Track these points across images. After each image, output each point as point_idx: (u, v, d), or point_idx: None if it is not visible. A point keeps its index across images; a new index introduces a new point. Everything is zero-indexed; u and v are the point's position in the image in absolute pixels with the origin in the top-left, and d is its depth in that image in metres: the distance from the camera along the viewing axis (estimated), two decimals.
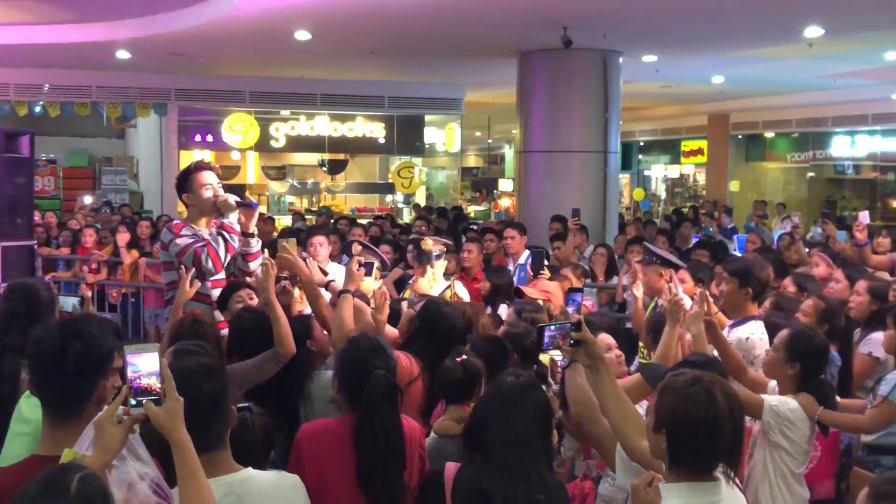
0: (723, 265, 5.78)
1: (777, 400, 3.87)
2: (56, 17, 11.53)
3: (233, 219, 5.16)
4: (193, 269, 4.96)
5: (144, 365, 2.39)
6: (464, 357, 3.70)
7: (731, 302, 4.98)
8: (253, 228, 5.34)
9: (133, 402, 2.36)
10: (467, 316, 4.51)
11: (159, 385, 2.38)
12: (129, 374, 2.38)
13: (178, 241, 5.09)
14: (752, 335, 4.78)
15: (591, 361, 3.09)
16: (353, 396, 3.14)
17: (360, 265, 4.71)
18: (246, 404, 3.16)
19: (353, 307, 4.42)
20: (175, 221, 5.52)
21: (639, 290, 6.22)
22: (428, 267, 5.77)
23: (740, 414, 2.62)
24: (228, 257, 5.13)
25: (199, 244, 5.04)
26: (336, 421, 3.20)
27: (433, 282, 5.80)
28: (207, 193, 5.20)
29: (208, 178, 5.24)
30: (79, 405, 2.55)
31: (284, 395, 4.05)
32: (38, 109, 16.07)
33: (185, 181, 5.30)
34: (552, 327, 3.46)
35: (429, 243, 5.89)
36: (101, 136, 19.83)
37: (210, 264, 4.99)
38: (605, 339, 4.18)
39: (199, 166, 5.37)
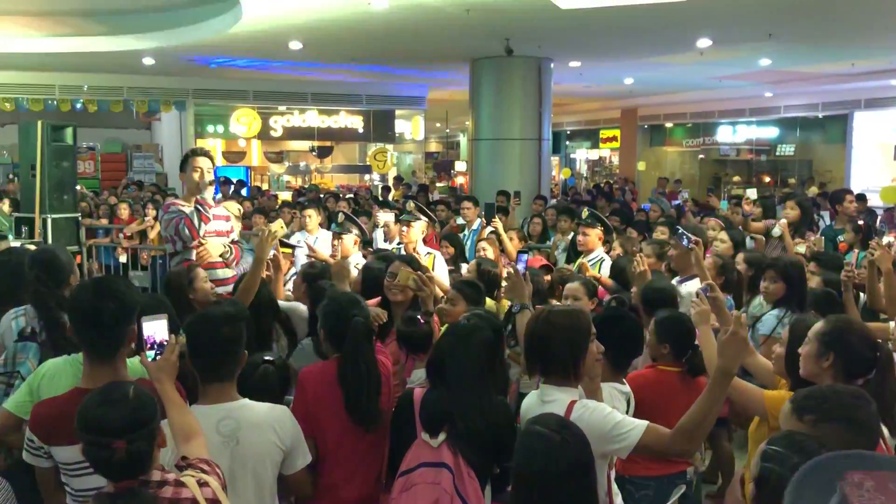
0: (672, 235, 5.55)
1: None
2: (93, 31, 11.28)
3: (207, 195, 4.89)
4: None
5: (155, 330, 2.51)
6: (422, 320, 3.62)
7: (679, 262, 4.93)
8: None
9: (150, 354, 2.47)
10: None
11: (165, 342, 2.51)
12: (146, 335, 2.48)
13: (165, 217, 4.94)
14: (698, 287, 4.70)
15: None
16: (337, 342, 3.09)
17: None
18: (270, 358, 3.09)
19: None
20: (168, 201, 5.31)
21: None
22: (413, 223, 6.22)
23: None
24: (203, 226, 4.82)
25: (178, 217, 4.82)
26: (326, 364, 3.15)
27: (421, 231, 6.30)
28: (195, 175, 4.92)
29: (200, 162, 4.95)
30: (115, 349, 2.53)
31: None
32: (79, 106, 15.70)
33: (184, 163, 5.05)
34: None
35: (411, 206, 6.60)
36: (132, 128, 19.46)
37: (186, 232, 4.76)
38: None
39: (195, 151, 5.10)
